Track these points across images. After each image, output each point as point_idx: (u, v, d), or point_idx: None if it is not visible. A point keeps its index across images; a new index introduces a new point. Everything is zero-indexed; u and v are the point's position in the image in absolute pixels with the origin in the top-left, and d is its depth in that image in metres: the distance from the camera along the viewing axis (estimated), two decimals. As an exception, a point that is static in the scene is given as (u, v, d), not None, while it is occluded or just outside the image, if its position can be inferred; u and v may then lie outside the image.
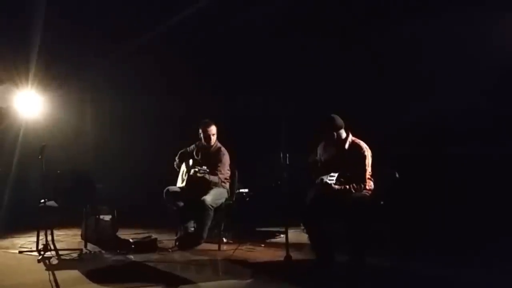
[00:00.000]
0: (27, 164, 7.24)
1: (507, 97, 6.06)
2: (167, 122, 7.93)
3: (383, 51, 6.76)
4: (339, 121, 4.84)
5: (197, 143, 6.27)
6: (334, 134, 4.82)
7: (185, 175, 6.10)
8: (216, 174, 5.91)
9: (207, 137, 6.08)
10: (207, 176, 5.72)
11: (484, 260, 4.73)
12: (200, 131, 6.12)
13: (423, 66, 6.52)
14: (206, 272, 4.98)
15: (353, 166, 4.67)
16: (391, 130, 6.42)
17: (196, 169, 5.68)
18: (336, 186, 4.60)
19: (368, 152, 4.76)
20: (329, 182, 4.57)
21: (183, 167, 6.23)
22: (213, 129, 6.10)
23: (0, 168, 7.34)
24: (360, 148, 4.78)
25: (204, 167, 5.67)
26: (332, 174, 4.59)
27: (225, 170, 6.07)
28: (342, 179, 4.58)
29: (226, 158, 6.08)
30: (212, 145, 6.14)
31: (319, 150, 5.09)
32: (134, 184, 7.82)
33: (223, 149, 6.13)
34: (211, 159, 6.01)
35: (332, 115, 4.87)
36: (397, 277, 4.53)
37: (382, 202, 4.78)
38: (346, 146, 4.83)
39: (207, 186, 5.84)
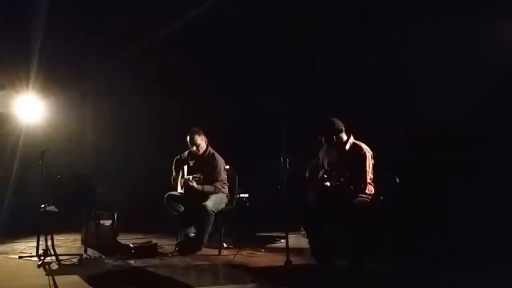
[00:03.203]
0: (28, 169, 7.24)
1: (507, 102, 6.07)
2: (168, 126, 7.92)
3: (384, 56, 6.76)
4: (339, 124, 4.86)
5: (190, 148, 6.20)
6: (334, 138, 4.83)
7: (183, 182, 6.09)
8: (213, 181, 5.92)
9: (194, 147, 6.03)
10: (199, 186, 5.77)
11: (485, 264, 4.71)
12: (187, 139, 6.07)
13: (424, 71, 6.53)
14: (206, 277, 4.97)
15: (354, 168, 4.67)
16: (392, 134, 6.42)
17: (190, 177, 5.71)
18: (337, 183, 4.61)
19: (368, 153, 4.77)
20: (328, 184, 4.61)
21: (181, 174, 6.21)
22: (197, 139, 6.02)
23: (0, 172, 7.34)
24: (360, 149, 4.79)
25: (198, 174, 5.69)
26: (328, 177, 4.64)
27: (222, 175, 6.05)
28: (342, 179, 4.59)
29: (220, 163, 6.06)
30: (205, 152, 6.11)
31: (321, 154, 5.09)
32: (135, 189, 7.81)
33: (216, 154, 6.10)
34: (205, 167, 5.99)
35: (331, 118, 4.89)
36: (397, 283, 4.52)
37: (381, 198, 4.78)
38: (347, 147, 4.84)
39: (204, 193, 5.85)
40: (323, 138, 4.92)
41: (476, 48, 6.18)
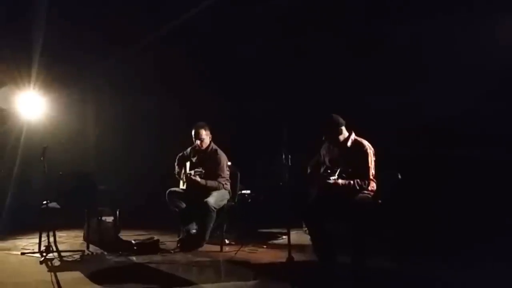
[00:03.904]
0: (29, 165, 7.25)
1: (510, 99, 6.05)
2: (169, 123, 7.92)
3: (385, 53, 6.75)
4: (340, 120, 4.86)
5: (193, 145, 6.18)
6: (335, 134, 4.84)
7: (185, 177, 6.09)
8: (216, 177, 5.93)
9: (198, 141, 6.04)
10: (202, 180, 5.78)
11: (485, 262, 4.71)
12: (193, 133, 6.08)
13: (426, 68, 6.52)
14: (208, 273, 4.98)
15: (356, 164, 4.67)
16: (393, 131, 6.41)
17: (192, 172, 5.72)
18: (340, 181, 4.59)
19: (370, 150, 4.76)
20: (332, 181, 4.59)
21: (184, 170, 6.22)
22: (202, 133, 6.04)
23: (2, 169, 7.35)
24: (362, 145, 4.79)
25: (200, 169, 5.69)
26: (331, 173, 4.62)
27: (225, 172, 6.06)
28: (344, 175, 4.59)
29: (223, 159, 6.06)
30: (208, 148, 6.11)
31: (322, 151, 5.09)
32: (136, 186, 7.81)
33: (219, 151, 6.10)
34: (208, 163, 5.99)
35: (333, 114, 4.90)
36: (398, 279, 4.53)
37: (380, 201, 4.77)
38: (349, 144, 4.84)
39: (207, 189, 5.85)
40: (324, 135, 4.92)
41: (476, 46, 6.16)
